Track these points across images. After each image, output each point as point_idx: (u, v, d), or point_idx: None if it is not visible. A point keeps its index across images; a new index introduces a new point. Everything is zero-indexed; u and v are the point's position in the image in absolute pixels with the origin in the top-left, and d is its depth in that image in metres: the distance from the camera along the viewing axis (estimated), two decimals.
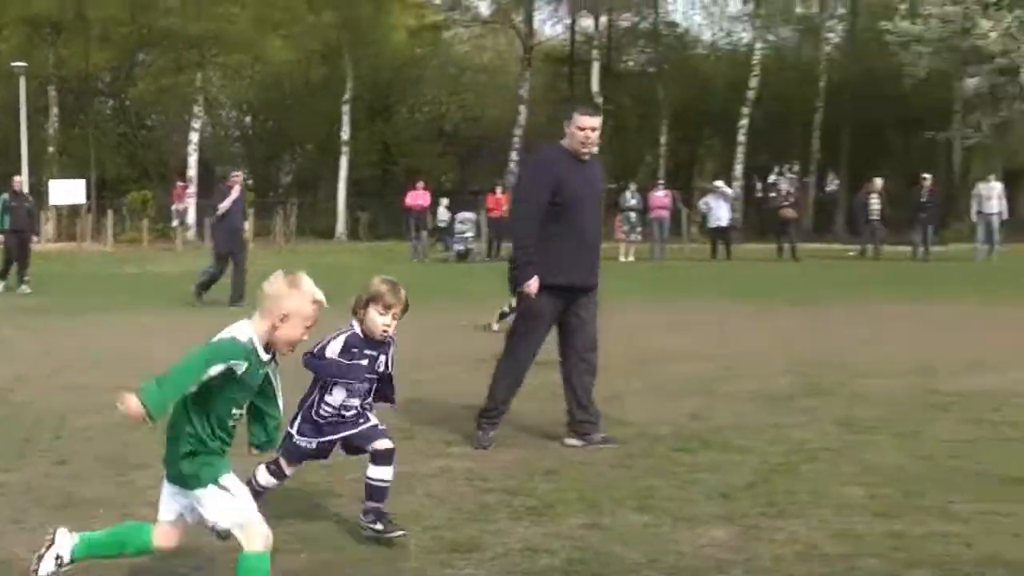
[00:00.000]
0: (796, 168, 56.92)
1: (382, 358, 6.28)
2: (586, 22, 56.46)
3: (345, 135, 51.72)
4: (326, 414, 6.22)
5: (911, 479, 7.46)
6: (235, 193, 20.47)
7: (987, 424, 9.32)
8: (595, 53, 53.47)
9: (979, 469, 7.75)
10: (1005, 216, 34.04)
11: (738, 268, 31.59)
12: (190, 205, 47.55)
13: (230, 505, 4.88)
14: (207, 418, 4.86)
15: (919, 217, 34.07)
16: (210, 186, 46.69)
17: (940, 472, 7.68)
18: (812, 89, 51.65)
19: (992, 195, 33.50)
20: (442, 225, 38.74)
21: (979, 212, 33.75)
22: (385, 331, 6.20)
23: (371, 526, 6.16)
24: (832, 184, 57.45)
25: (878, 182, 35.53)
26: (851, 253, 36.33)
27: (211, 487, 4.87)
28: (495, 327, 15.13)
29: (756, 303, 20.37)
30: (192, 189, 48.13)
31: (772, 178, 57.43)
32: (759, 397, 10.67)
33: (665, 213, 36.95)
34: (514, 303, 9.84)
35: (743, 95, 50.21)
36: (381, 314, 6.15)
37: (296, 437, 6.26)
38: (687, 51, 58.34)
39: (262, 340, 4.89)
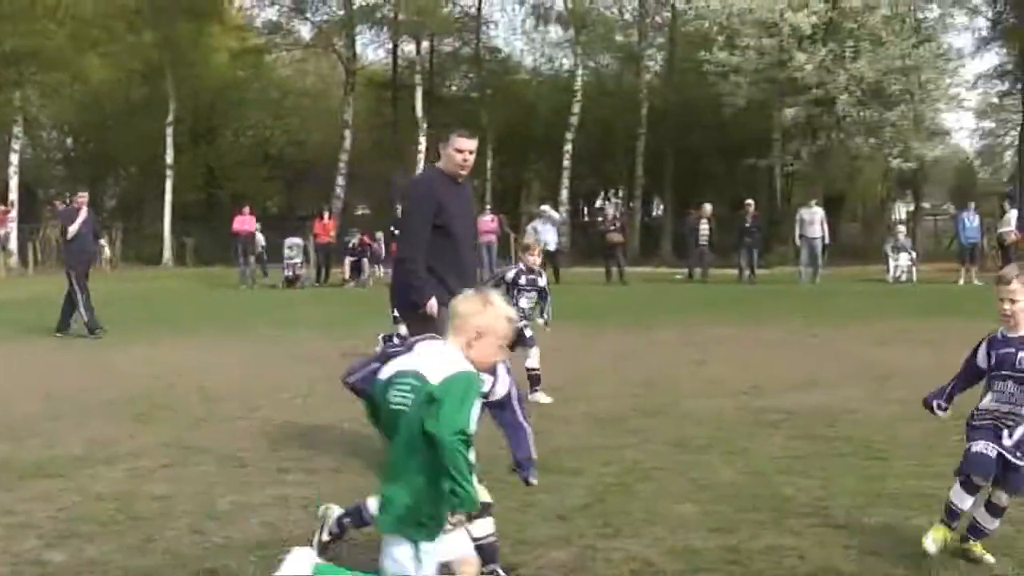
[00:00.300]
0: (621, 193, 57.57)
1: None
2: (408, 47, 56.40)
3: (169, 158, 50.69)
4: None
5: (744, 495, 7.57)
6: (83, 214, 20.02)
7: (821, 440, 9.53)
8: (418, 78, 53.38)
9: (810, 483, 7.90)
10: (828, 240, 34.96)
11: (567, 291, 31.66)
12: (12, 230, 45.99)
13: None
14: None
15: (744, 241, 34.75)
16: (33, 210, 45.41)
17: (772, 487, 7.81)
18: (634, 116, 52.20)
19: (814, 220, 34.39)
20: (260, 252, 38.05)
21: (802, 236, 34.58)
22: None
23: None
24: (658, 209, 58.21)
25: (708, 208, 36.13)
26: (678, 276, 36.82)
27: (410, 547, 4.61)
28: None
29: (586, 326, 20.51)
30: (14, 213, 46.61)
31: (599, 203, 58.08)
32: (591, 419, 10.74)
33: (492, 237, 37.01)
34: (402, 329, 9.83)
35: (566, 120, 50.49)
36: None
37: None
38: (510, 76, 58.56)
39: None
